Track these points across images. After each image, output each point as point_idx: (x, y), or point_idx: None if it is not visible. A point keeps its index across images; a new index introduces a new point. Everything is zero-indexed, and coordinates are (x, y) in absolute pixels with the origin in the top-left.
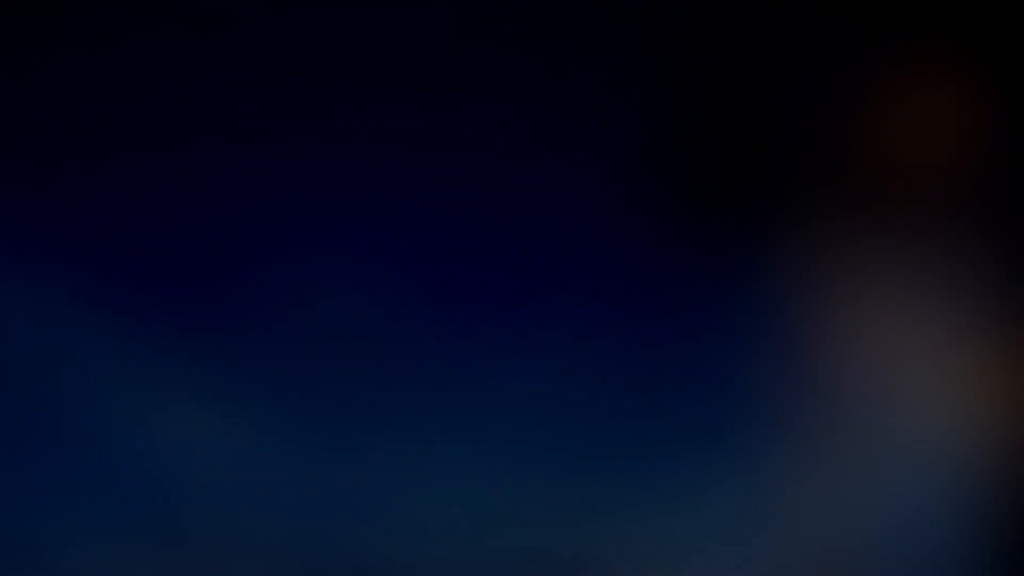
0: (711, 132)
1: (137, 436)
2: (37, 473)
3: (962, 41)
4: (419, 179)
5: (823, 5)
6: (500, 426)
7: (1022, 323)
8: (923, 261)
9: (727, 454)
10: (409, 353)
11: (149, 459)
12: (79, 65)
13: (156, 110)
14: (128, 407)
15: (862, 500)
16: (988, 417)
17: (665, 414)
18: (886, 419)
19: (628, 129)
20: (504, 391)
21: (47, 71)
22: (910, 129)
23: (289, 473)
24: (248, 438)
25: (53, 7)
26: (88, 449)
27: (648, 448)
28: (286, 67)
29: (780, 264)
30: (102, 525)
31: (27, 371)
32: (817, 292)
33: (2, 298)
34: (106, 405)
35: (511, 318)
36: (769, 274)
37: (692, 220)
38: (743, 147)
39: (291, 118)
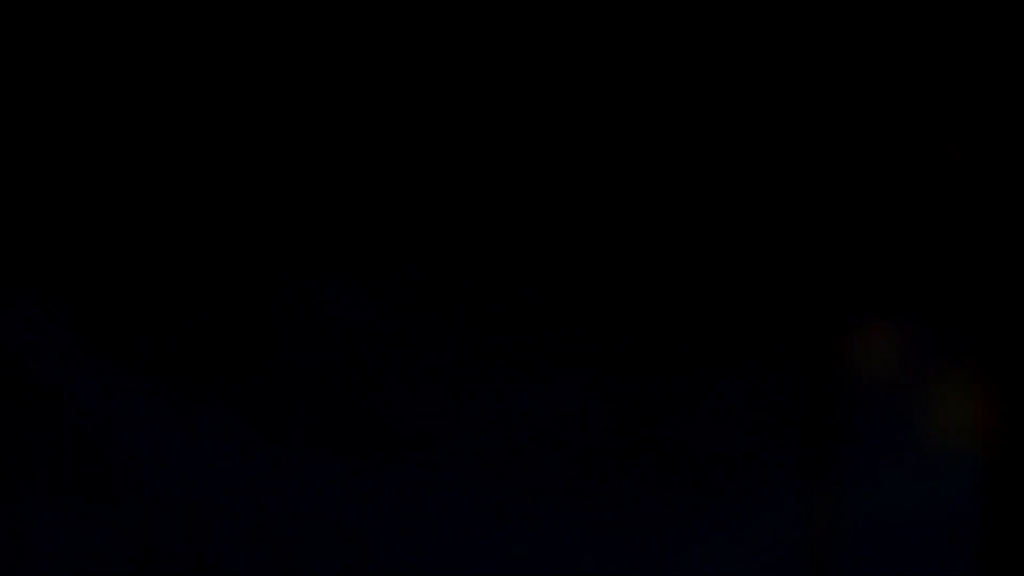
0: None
1: (132, 450)
2: (32, 481)
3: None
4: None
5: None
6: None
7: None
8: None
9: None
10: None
11: (144, 475)
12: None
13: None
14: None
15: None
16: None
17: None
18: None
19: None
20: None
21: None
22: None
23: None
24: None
25: None
26: (87, 462)
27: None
28: None
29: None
30: (100, 534)
31: (28, 387)
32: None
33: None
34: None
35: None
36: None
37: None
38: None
39: None
